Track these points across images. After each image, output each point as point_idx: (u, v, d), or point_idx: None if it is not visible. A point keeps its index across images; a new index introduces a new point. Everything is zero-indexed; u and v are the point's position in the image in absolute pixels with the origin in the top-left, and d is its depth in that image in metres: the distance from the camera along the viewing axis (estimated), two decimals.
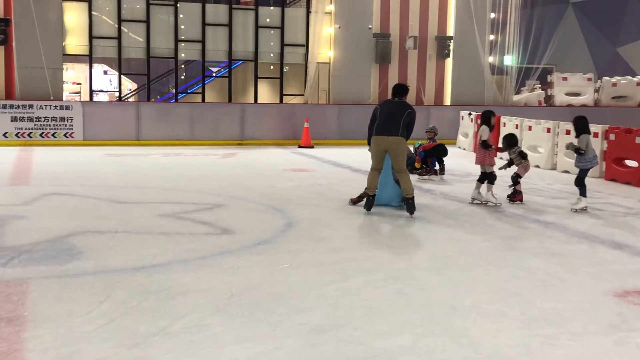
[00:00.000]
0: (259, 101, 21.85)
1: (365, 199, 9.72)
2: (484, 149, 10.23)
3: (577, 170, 10.14)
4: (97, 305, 5.31)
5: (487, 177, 10.26)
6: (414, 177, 13.14)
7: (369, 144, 9.81)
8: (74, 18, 20.02)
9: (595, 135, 14.09)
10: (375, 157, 9.73)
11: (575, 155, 10.00)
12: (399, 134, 9.54)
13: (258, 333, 4.84)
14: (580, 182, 10.00)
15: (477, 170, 10.49)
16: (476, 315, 5.30)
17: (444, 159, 13.50)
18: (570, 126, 14.99)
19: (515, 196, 10.56)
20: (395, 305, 5.49)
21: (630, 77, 24.58)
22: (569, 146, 10.13)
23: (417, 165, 13.56)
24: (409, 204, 9.34)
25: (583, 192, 9.97)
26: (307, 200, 10.64)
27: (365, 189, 9.80)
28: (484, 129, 10.31)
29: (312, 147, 19.16)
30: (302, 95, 21.96)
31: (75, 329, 4.84)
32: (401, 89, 10.14)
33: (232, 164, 15.25)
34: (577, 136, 10.03)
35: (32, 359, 4.32)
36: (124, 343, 4.58)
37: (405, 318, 5.19)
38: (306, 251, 7.26)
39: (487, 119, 10.47)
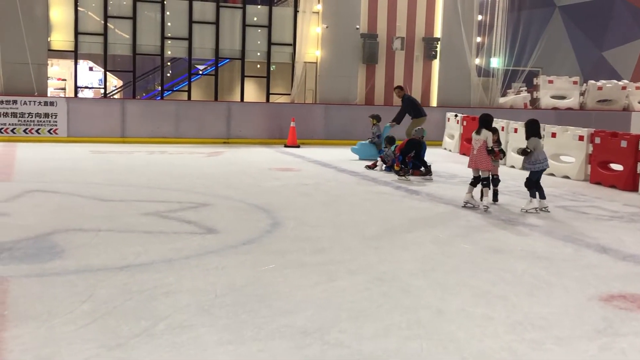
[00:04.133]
0: (245, 100, 21.77)
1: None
2: (490, 154, 10.18)
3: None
4: (78, 305, 5.24)
5: (490, 181, 10.29)
6: (393, 177, 13.16)
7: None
8: (60, 14, 19.86)
9: (581, 138, 14.14)
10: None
11: (524, 157, 10.16)
12: None
13: (242, 335, 4.78)
14: (529, 184, 10.08)
15: (462, 171, 10.45)
16: (462, 319, 5.27)
17: (427, 158, 13.52)
18: (555, 129, 15.05)
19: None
20: (382, 308, 5.44)
21: (615, 81, 24.69)
22: (518, 151, 10.39)
23: (396, 167, 13.54)
24: None
25: (533, 194, 10.07)
26: (293, 200, 10.59)
27: None
28: (489, 133, 10.20)
29: (298, 146, 19.11)
30: (289, 94, 21.90)
31: (56, 329, 4.76)
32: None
33: (218, 163, 15.17)
34: (527, 138, 10.12)
35: (11, 359, 4.24)
36: (105, 344, 4.51)
37: (391, 321, 5.15)
38: (292, 252, 7.21)
39: (489, 122, 10.35)
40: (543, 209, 10.11)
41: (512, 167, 15.79)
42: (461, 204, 10.28)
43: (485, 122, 10.31)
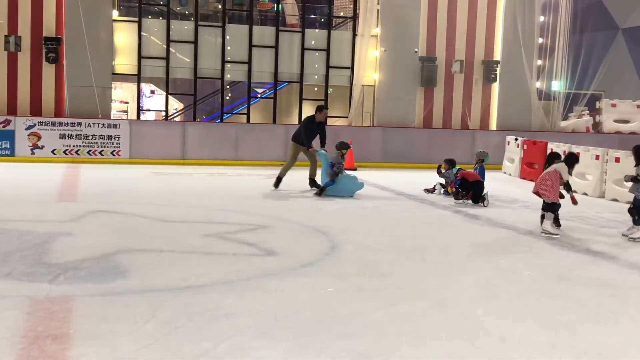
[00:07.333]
0: None
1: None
2: (566, 190, 10.03)
3: (627, 199, 9.99)
4: (141, 325, 5.30)
5: (554, 207, 10.07)
6: (452, 201, 13.00)
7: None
8: (124, 38, 20.39)
9: None
10: None
11: (633, 183, 9.89)
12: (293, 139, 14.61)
13: (302, 358, 4.77)
14: (637, 212, 9.81)
15: (523, 195, 10.27)
16: (526, 347, 5.16)
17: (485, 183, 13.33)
18: (619, 153, 14.73)
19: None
20: (443, 334, 5.37)
21: None
22: (626, 178, 10.12)
23: (449, 190, 13.40)
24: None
25: (639, 221, 9.77)
26: (351, 223, 10.58)
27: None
28: (563, 167, 10.06)
29: (355, 169, 19.07)
30: (347, 117, 21.95)
31: (120, 348, 4.83)
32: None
33: None
34: (637, 165, 9.88)
35: None
36: None
37: (453, 348, 5.08)
38: (351, 275, 7.19)
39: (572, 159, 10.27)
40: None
41: (575, 192, 15.47)
42: (531, 230, 10.10)
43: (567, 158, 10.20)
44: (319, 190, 13.42)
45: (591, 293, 6.83)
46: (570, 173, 10.23)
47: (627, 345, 5.29)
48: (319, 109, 14.65)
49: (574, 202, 10.11)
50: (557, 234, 9.85)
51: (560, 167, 10.05)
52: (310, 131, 14.32)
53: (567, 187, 10.03)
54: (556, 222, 10.48)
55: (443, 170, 14.22)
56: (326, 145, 14.29)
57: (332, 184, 13.33)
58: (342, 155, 13.77)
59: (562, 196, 10.20)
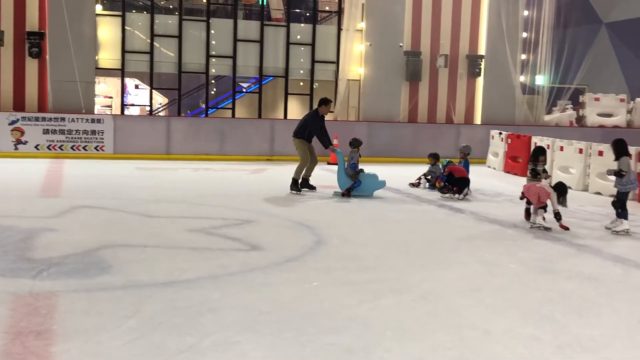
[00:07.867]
0: (288, 117, 21.87)
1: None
2: (556, 220, 9.94)
3: (610, 192, 10.04)
4: (125, 320, 5.29)
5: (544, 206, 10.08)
6: (437, 195, 13.02)
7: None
8: (108, 32, 20.28)
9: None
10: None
11: (615, 177, 9.94)
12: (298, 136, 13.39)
13: (287, 352, 4.77)
14: (621, 205, 9.87)
15: (507, 190, 10.32)
16: (509, 340, 5.19)
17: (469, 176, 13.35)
18: (602, 147, 14.81)
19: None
20: (427, 328, 5.39)
21: None
22: (609, 172, 10.14)
23: (437, 185, 13.43)
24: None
25: (624, 215, 9.83)
26: (336, 217, 10.59)
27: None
28: (553, 196, 10.00)
29: None
30: (332, 112, 21.92)
31: (104, 343, 4.81)
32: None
33: (262, 180, 15.24)
34: (616, 159, 9.93)
35: None
36: None
37: (437, 341, 5.09)
38: (336, 269, 7.19)
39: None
40: (625, 231, 9.86)
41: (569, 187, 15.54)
42: (515, 223, 10.12)
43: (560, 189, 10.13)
44: (347, 190, 12.71)
45: (574, 286, 6.88)
46: (563, 204, 10.05)
47: (609, 338, 5.33)
48: (325, 101, 13.51)
49: (566, 229, 10.01)
50: (550, 228, 9.86)
51: (552, 196, 9.97)
52: (319, 127, 13.39)
53: (557, 216, 9.92)
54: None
55: (422, 177, 14.32)
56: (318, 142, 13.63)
57: (360, 184, 12.89)
58: (357, 152, 13.30)
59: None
